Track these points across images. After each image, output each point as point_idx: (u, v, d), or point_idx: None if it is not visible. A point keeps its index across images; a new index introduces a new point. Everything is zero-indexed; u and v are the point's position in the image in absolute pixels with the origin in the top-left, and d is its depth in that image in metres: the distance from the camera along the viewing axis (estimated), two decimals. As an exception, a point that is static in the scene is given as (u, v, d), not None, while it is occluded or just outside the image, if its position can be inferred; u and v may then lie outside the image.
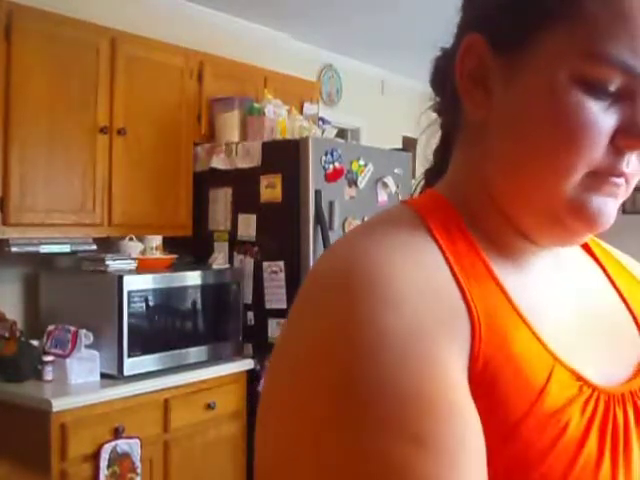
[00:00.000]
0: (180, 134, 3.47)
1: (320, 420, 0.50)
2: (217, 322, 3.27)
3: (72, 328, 2.82)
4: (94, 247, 3.11)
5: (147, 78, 3.28)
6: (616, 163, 0.58)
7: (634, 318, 0.68)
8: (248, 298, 3.36)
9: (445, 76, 0.67)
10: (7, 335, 2.82)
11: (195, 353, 3.14)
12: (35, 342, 2.87)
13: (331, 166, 3.36)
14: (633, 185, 0.61)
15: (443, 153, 0.71)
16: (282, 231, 3.30)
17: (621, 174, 0.59)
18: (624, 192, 0.61)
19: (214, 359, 3.19)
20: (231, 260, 3.45)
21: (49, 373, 2.76)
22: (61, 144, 2.95)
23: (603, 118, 0.57)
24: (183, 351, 3.10)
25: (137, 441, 2.74)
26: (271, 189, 3.35)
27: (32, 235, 2.87)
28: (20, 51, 2.79)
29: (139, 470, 2.74)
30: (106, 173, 3.10)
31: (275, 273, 3.29)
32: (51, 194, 2.91)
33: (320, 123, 4.00)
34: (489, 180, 0.63)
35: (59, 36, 2.93)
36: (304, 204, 3.26)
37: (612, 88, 0.57)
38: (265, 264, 3.33)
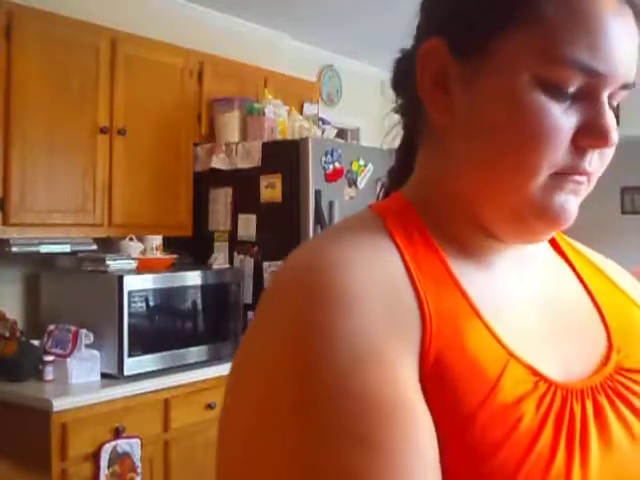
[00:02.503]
0: (180, 134, 3.47)
1: (272, 419, 0.52)
2: (217, 322, 3.27)
3: (72, 328, 2.82)
4: (94, 247, 3.11)
5: (147, 78, 3.28)
6: (579, 162, 0.59)
7: (600, 315, 0.68)
8: (248, 298, 3.36)
9: (406, 78, 0.67)
10: (7, 335, 2.82)
11: (195, 353, 3.15)
12: (35, 342, 2.87)
13: (331, 166, 3.36)
14: (594, 182, 0.62)
15: (406, 154, 0.72)
16: (282, 231, 3.30)
17: (584, 173, 0.60)
18: (585, 189, 0.62)
19: (214, 359, 3.19)
20: (231, 260, 3.45)
21: (49, 373, 2.76)
22: (61, 144, 2.96)
23: (564, 119, 0.58)
24: (183, 351, 3.10)
25: (137, 441, 2.74)
26: (271, 189, 3.35)
27: (32, 235, 2.87)
28: (20, 51, 2.79)
29: (139, 470, 2.74)
30: (106, 173, 3.11)
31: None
32: (51, 194, 2.92)
33: (320, 123, 4.00)
34: (453, 181, 0.64)
35: (59, 36, 2.93)
36: (304, 204, 3.26)
37: (572, 89, 0.57)
38: (265, 264, 3.33)
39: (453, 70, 0.62)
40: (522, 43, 0.58)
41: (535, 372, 0.58)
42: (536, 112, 0.57)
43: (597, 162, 0.61)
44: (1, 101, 2.75)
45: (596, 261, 0.76)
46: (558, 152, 0.58)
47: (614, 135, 0.59)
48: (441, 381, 0.54)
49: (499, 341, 0.58)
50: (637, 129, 5.78)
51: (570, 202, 0.60)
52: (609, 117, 0.59)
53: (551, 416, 0.56)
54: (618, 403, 0.60)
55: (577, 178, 0.60)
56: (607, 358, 0.64)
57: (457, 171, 0.63)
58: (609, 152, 0.61)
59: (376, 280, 0.57)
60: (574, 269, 0.73)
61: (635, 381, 0.62)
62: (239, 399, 0.56)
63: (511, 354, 0.58)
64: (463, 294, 0.60)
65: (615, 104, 0.61)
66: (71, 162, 2.99)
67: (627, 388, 0.62)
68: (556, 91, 0.57)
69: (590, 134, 0.58)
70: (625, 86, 0.60)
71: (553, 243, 0.74)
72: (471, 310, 0.59)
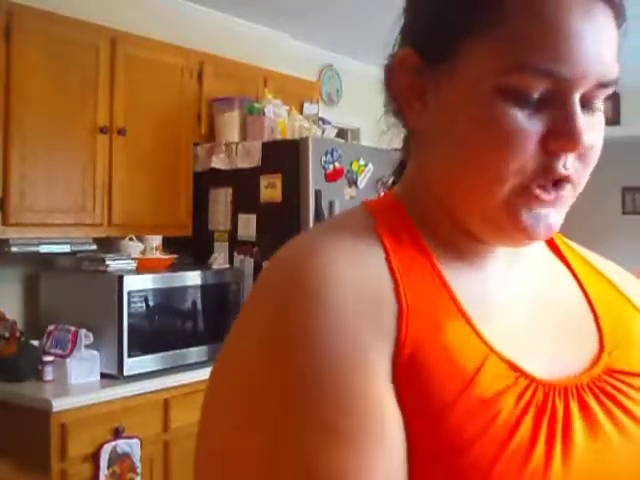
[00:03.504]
0: (180, 134, 3.47)
1: (248, 407, 0.55)
2: (217, 322, 3.27)
3: (72, 328, 2.82)
4: (94, 247, 3.11)
5: (147, 78, 3.28)
6: (552, 167, 0.58)
7: (595, 316, 0.68)
8: (248, 298, 3.35)
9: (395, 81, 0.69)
10: (7, 335, 2.82)
11: (195, 353, 3.14)
12: (35, 342, 2.87)
13: (331, 166, 3.36)
14: (580, 187, 0.62)
15: (405, 153, 0.74)
16: (282, 231, 3.30)
17: (560, 177, 0.59)
18: (569, 198, 0.61)
19: (214, 359, 3.17)
20: (231, 260, 3.45)
21: (49, 373, 2.76)
22: (61, 144, 2.95)
23: (529, 125, 0.57)
24: (183, 351, 3.10)
25: (137, 441, 2.74)
26: (271, 189, 3.35)
27: (32, 235, 2.87)
28: (20, 51, 2.79)
29: (139, 470, 2.74)
30: (106, 173, 3.10)
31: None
32: (51, 194, 2.91)
33: (320, 123, 4.00)
34: (433, 184, 0.66)
35: (59, 36, 2.93)
36: (304, 204, 3.26)
37: (535, 95, 0.57)
38: (265, 264, 3.32)
39: (426, 79, 0.63)
40: (484, 50, 0.58)
41: (516, 368, 0.59)
42: (498, 119, 0.57)
43: (577, 166, 0.60)
44: (1, 101, 2.75)
45: (597, 264, 0.76)
46: (522, 157, 0.58)
47: (584, 138, 0.58)
48: (416, 375, 0.55)
49: (480, 337, 0.59)
50: (637, 129, 5.78)
51: (547, 215, 0.60)
52: (578, 120, 0.58)
53: (530, 411, 0.57)
54: (606, 402, 0.60)
55: (551, 191, 0.59)
56: (597, 359, 0.64)
57: (433, 177, 0.65)
58: (591, 155, 0.61)
59: (356, 280, 0.58)
60: (572, 271, 0.73)
61: (624, 382, 0.63)
62: (218, 400, 0.59)
63: (492, 349, 0.59)
64: (447, 290, 0.61)
65: (598, 103, 0.61)
66: (71, 162, 2.99)
67: (615, 388, 0.62)
68: (518, 97, 0.57)
69: (558, 138, 0.58)
70: (604, 84, 0.59)
71: (551, 244, 0.75)
72: (454, 306, 0.60)
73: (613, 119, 5.84)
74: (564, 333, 0.66)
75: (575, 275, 0.72)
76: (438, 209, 0.66)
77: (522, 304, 0.66)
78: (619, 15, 0.60)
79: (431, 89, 0.63)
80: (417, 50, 0.64)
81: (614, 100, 5.79)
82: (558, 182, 0.59)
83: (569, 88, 0.57)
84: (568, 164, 0.59)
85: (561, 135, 0.58)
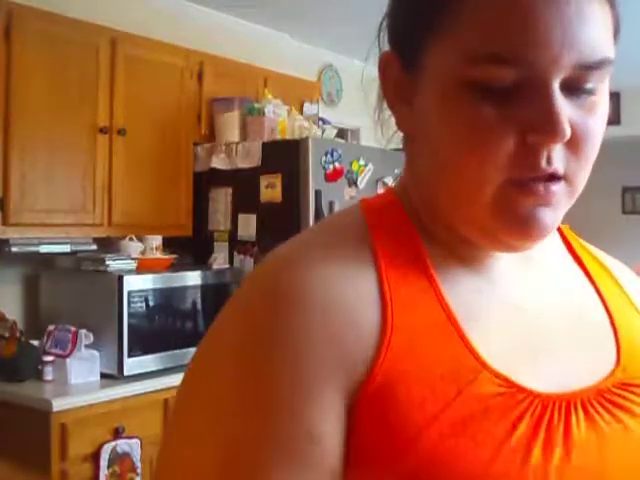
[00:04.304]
0: (180, 134, 3.47)
1: (210, 406, 0.56)
2: (217, 322, 3.26)
3: (72, 328, 2.82)
4: (94, 247, 3.11)
5: (147, 78, 3.28)
6: (534, 161, 0.54)
7: (613, 326, 0.65)
8: (248, 298, 3.35)
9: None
10: (7, 335, 2.82)
11: (195, 353, 3.14)
12: (35, 342, 2.87)
13: (331, 166, 3.36)
14: (577, 185, 0.57)
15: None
16: (282, 231, 3.28)
17: (545, 174, 0.54)
18: (565, 196, 0.57)
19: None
20: (231, 260, 3.45)
21: (49, 373, 2.76)
22: (61, 144, 2.95)
23: (499, 118, 0.54)
24: (183, 351, 3.09)
25: (137, 441, 2.74)
26: (271, 189, 3.35)
27: (32, 235, 2.87)
28: (20, 51, 2.78)
29: (139, 470, 2.74)
30: (106, 173, 3.10)
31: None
32: (51, 194, 2.91)
33: (320, 123, 4.00)
34: (422, 190, 0.64)
35: (59, 36, 2.92)
36: (304, 204, 3.26)
37: (505, 86, 0.53)
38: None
39: (407, 81, 0.61)
40: (447, 45, 0.55)
41: (512, 384, 0.56)
42: (467, 115, 0.54)
43: (569, 159, 0.55)
44: (1, 101, 2.75)
45: (606, 263, 0.72)
46: (499, 153, 0.54)
47: (564, 127, 0.53)
48: (392, 394, 0.54)
49: (473, 352, 0.56)
50: (637, 129, 5.78)
51: (541, 213, 0.56)
52: (555, 108, 0.52)
53: (522, 425, 0.54)
54: (612, 409, 0.58)
55: (541, 189, 0.55)
56: (611, 375, 0.61)
57: (424, 180, 0.63)
58: (584, 145, 0.55)
59: (332, 302, 0.56)
60: (587, 273, 0.69)
61: (634, 393, 0.60)
62: (187, 404, 0.60)
63: (485, 366, 0.56)
64: (443, 305, 0.58)
65: (590, 85, 0.55)
66: (71, 162, 2.99)
67: (624, 398, 0.59)
68: (485, 91, 0.54)
69: (535, 129, 0.53)
70: (588, 66, 0.54)
71: (565, 242, 0.72)
72: (449, 323, 0.58)
73: (613, 119, 5.84)
74: (578, 344, 0.62)
75: (591, 278, 0.69)
76: (431, 213, 0.63)
77: (529, 311, 0.63)
78: None
79: (413, 92, 0.61)
80: (396, 52, 0.62)
81: (614, 100, 5.80)
82: (549, 179, 0.55)
83: (542, 74, 0.53)
84: (553, 159, 0.54)
85: (537, 126, 0.53)
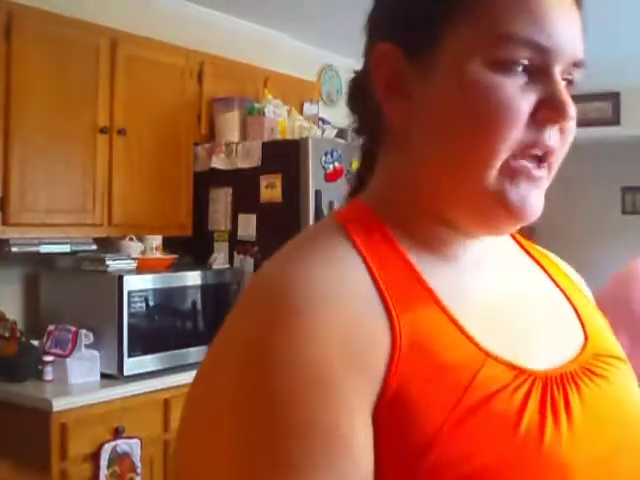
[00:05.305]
0: (180, 134, 3.47)
1: (217, 424, 0.55)
2: (217, 322, 3.22)
3: (72, 328, 2.82)
4: (94, 247, 3.11)
5: (147, 78, 3.28)
6: (539, 137, 0.60)
7: (574, 308, 0.72)
8: (248, 298, 3.35)
9: (363, 92, 0.69)
10: (7, 335, 2.82)
11: (195, 353, 3.14)
12: (35, 342, 2.87)
13: (331, 166, 3.36)
14: (555, 169, 0.63)
15: (367, 164, 0.74)
16: (282, 231, 3.28)
17: (544, 148, 0.61)
18: (547, 178, 0.63)
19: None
20: (231, 260, 3.45)
21: (49, 373, 2.76)
22: (61, 144, 2.95)
23: (520, 95, 0.59)
24: (183, 351, 3.10)
25: (137, 441, 2.74)
26: (271, 189, 3.35)
27: (32, 235, 2.87)
28: (20, 51, 2.78)
29: (139, 470, 2.74)
30: (106, 173, 3.10)
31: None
32: (51, 194, 2.91)
33: (320, 123, 4.00)
34: (417, 179, 0.65)
35: (59, 36, 2.93)
36: (304, 204, 3.26)
37: (522, 64, 0.59)
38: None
39: (408, 71, 0.63)
40: (467, 30, 0.60)
41: (513, 366, 0.60)
42: (490, 91, 0.59)
43: (558, 141, 0.62)
44: (1, 101, 2.75)
45: (555, 260, 0.79)
46: (516, 129, 0.59)
47: (572, 109, 0.60)
48: (407, 397, 0.55)
49: (474, 343, 0.59)
50: (637, 129, 5.78)
51: (532, 194, 0.61)
52: (565, 92, 0.60)
53: (532, 399, 0.58)
54: (596, 380, 0.64)
55: (533, 168, 0.61)
56: (584, 347, 0.68)
57: (421, 169, 0.64)
58: (570, 132, 0.63)
59: (343, 301, 0.56)
60: (543, 269, 0.75)
61: (607, 363, 0.67)
62: (193, 412, 0.59)
63: (488, 354, 0.59)
64: (435, 300, 0.61)
65: (572, 79, 0.63)
66: (71, 162, 2.99)
67: (601, 368, 0.66)
68: (507, 69, 0.59)
69: (549, 108, 0.60)
70: (577, 64, 0.62)
71: (517, 243, 0.76)
72: (444, 316, 0.60)
73: (613, 119, 5.84)
74: (553, 326, 0.69)
75: (547, 273, 0.75)
76: (416, 206, 0.65)
77: (501, 297, 0.67)
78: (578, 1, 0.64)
79: (415, 83, 0.63)
80: (397, 44, 0.64)
81: (614, 100, 5.80)
82: (542, 158, 0.61)
83: (551, 60, 0.60)
84: (553, 136, 0.61)
85: (551, 105, 0.60)
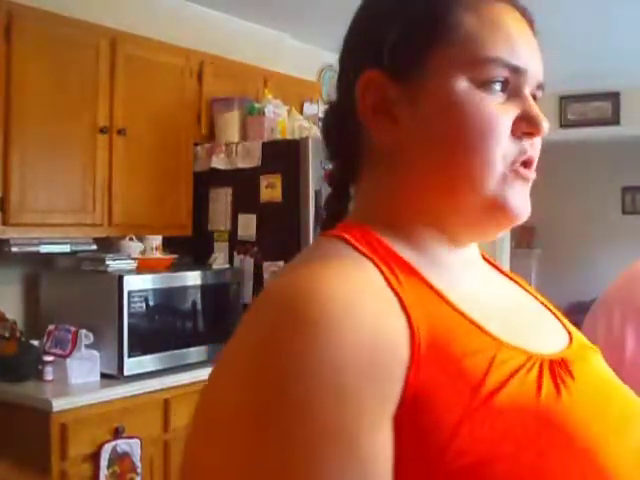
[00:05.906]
0: (180, 134, 3.47)
1: (233, 432, 0.54)
2: (217, 322, 3.27)
3: (72, 328, 2.82)
4: (94, 247, 3.11)
5: (147, 78, 3.28)
6: (524, 148, 0.67)
7: (549, 310, 0.79)
8: (248, 298, 3.35)
9: (341, 121, 0.72)
10: (7, 335, 2.82)
11: (195, 353, 3.14)
12: (35, 342, 2.87)
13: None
14: (534, 172, 0.69)
15: (343, 190, 0.75)
16: (282, 231, 3.30)
17: (530, 158, 0.67)
18: (529, 182, 0.69)
19: (214, 359, 3.18)
20: (231, 260, 3.45)
21: (49, 373, 2.76)
22: (61, 144, 2.95)
23: (502, 111, 0.66)
24: (183, 351, 3.10)
25: (137, 441, 2.74)
26: (271, 189, 3.35)
27: (32, 235, 2.87)
28: (20, 51, 2.78)
29: (139, 470, 2.74)
30: (106, 173, 3.11)
31: (275, 273, 3.29)
32: (51, 194, 2.92)
33: (320, 123, 4.00)
34: (409, 194, 0.68)
35: (59, 36, 2.93)
36: (304, 204, 3.26)
37: (502, 82, 0.66)
38: (265, 264, 3.33)
39: (394, 94, 0.67)
40: (450, 53, 0.66)
41: (524, 351, 0.63)
42: (479, 107, 0.65)
43: (537, 147, 0.69)
44: (1, 101, 2.75)
45: (510, 273, 0.84)
46: (503, 140, 0.65)
47: (545, 124, 0.67)
48: (426, 399, 0.55)
49: (487, 333, 0.62)
50: (637, 129, 5.78)
51: (525, 194, 0.68)
52: (537, 108, 0.67)
53: (545, 373, 0.62)
54: (584, 364, 0.69)
55: (526, 171, 0.67)
56: (571, 340, 0.74)
57: (415, 184, 0.67)
58: (539, 144, 0.69)
59: (362, 304, 0.56)
60: (508, 276, 0.81)
61: (590, 352, 0.74)
62: (208, 415, 0.58)
63: (500, 342, 0.62)
64: (443, 298, 0.63)
65: (536, 100, 0.69)
66: (71, 162, 2.99)
67: (587, 354, 0.73)
68: (489, 88, 0.65)
69: (527, 122, 0.67)
70: (539, 86, 0.70)
71: (483, 258, 0.80)
72: (456, 313, 0.62)
73: (613, 119, 5.84)
74: (541, 321, 0.76)
75: (519, 284, 0.81)
76: (409, 221, 0.68)
77: (500, 299, 0.73)
78: (534, 31, 0.71)
79: (403, 103, 0.67)
80: (384, 70, 0.67)
81: (614, 100, 5.80)
82: (526, 164, 0.67)
83: (524, 80, 0.67)
84: (531, 146, 0.67)
85: (529, 120, 0.66)
